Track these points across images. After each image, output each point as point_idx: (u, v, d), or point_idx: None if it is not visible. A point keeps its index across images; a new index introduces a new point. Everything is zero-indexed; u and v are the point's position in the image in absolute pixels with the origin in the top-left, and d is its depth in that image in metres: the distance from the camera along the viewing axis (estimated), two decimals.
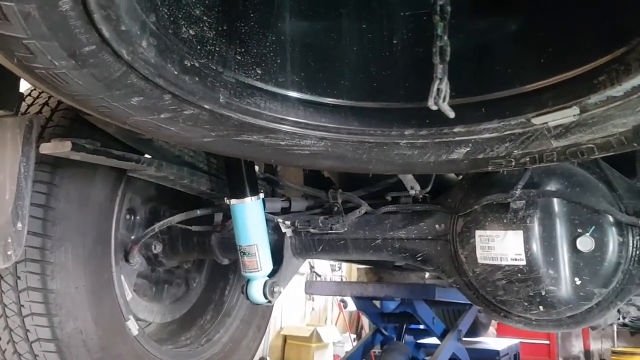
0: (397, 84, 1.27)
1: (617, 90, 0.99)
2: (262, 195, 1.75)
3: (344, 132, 1.26)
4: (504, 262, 1.55)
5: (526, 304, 1.55)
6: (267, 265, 1.77)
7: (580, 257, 1.51)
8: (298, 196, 2.10)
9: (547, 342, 8.57)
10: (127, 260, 1.92)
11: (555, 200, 1.53)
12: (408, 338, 4.87)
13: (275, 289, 1.77)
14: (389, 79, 1.27)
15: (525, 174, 1.52)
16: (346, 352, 7.26)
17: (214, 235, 1.99)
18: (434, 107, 0.94)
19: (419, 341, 4.96)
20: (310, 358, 7.88)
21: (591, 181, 1.56)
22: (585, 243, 1.50)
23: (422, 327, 4.73)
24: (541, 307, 1.54)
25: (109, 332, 1.70)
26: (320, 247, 1.90)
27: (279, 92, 1.21)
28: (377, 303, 5.73)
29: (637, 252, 1.52)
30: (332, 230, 1.82)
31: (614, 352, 8.28)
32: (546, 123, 1.13)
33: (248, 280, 1.78)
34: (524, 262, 1.52)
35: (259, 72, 1.19)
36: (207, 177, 1.84)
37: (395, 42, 1.28)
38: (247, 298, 1.77)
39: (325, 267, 9.12)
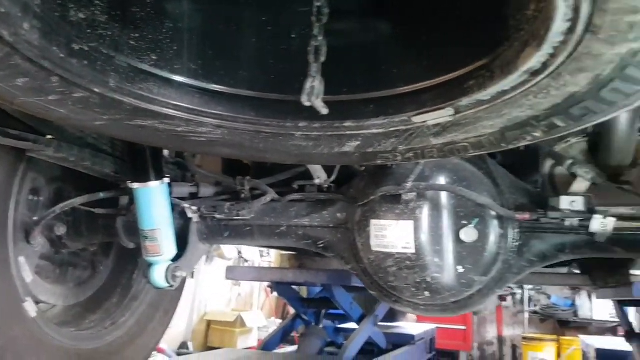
0: (293, 78, 1.30)
1: (484, 95, 1.08)
2: (167, 179, 1.76)
3: (240, 121, 1.30)
4: (394, 250, 1.64)
5: (414, 289, 1.65)
6: (169, 250, 1.78)
7: (464, 247, 1.62)
8: (209, 182, 2.11)
9: (464, 327, 8.96)
10: (28, 242, 1.88)
11: (443, 193, 1.63)
12: (327, 323, 4.98)
13: (178, 274, 1.79)
14: (285, 71, 1.32)
15: (416, 168, 1.61)
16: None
17: (119, 218, 1.98)
18: (307, 104, 0.99)
19: (338, 326, 5.09)
20: (233, 343, 7.91)
21: (477, 176, 1.68)
22: (469, 234, 1.61)
23: (341, 312, 4.86)
24: (427, 293, 1.64)
25: (3, 314, 1.66)
26: (227, 233, 1.93)
27: (174, 78, 1.23)
28: (304, 289, 5.83)
29: (516, 243, 1.65)
30: (238, 216, 1.86)
31: (525, 338, 8.77)
32: (425, 122, 1.20)
33: (150, 265, 1.79)
34: (412, 251, 1.61)
35: (154, 58, 1.20)
36: (112, 159, 1.83)
37: (293, 36, 1.33)
38: (149, 282, 1.79)
39: (253, 253, 9.14)
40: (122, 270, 2.34)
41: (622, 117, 1.64)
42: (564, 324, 8.95)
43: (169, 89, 1.21)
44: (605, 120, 1.61)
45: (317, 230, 1.84)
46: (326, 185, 1.88)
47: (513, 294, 9.15)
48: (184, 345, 7.51)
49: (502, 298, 9.02)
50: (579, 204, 1.56)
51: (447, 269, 1.61)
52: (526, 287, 8.92)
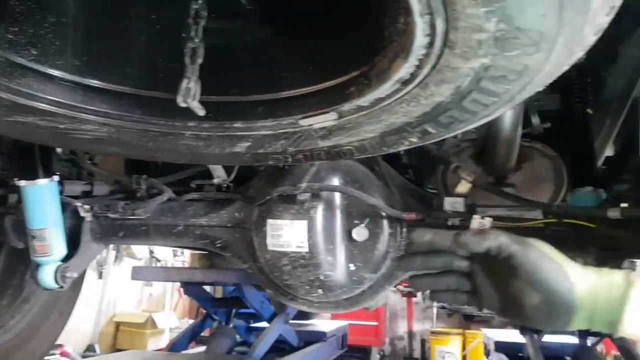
0: (182, 76, 1.31)
1: (364, 101, 1.13)
2: (56, 177, 1.70)
3: (127, 119, 1.28)
4: (289, 249, 1.67)
5: (307, 287, 1.69)
6: (59, 249, 1.72)
7: (355, 246, 1.68)
8: (106, 180, 2.06)
9: (376, 323, 9.21)
10: None
11: (336, 193, 1.69)
12: (239, 322, 4.97)
13: (68, 274, 1.73)
14: (174, 70, 1.31)
15: (311, 168, 1.65)
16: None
17: (7, 217, 1.89)
18: (183, 105, 1.00)
19: (250, 325, 5.08)
20: (144, 344, 7.70)
21: (370, 178, 1.74)
22: (360, 233, 1.67)
23: (252, 311, 4.87)
24: (320, 291, 1.69)
25: None
26: (122, 233, 1.89)
27: (56, 74, 1.19)
28: (220, 289, 5.74)
29: (404, 242, 1.73)
30: (133, 215, 1.83)
31: (433, 332, 9.13)
32: (312, 125, 1.25)
33: (39, 265, 1.72)
34: (306, 250, 1.65)
35: (34, 52, 1.16)
36: None
37: (183, 35, 1.33)
38: (37, 283, 1.72)
39: (166, 252, 8.92)
40: (12, 271, 2.23)
41: (506, 122, 1.75)
42: (469, 318, 9.41)
43: (49, 85, 1.18)
44: (490, 125, 1.75)
45: (215, 229, 1.84)
46: (225, 185, 1.89)
47: (424, 291, 9.49)
48: (90, 348, 7.22)
49: (412, 294, 9.35)
50: (460, 205, 1.66)
51: (339, 267, 1.67)
52: None
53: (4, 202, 1.90)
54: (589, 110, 2.07)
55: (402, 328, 9.94)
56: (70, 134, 1.28)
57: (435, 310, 9.77)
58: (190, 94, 0.97)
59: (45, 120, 1.22)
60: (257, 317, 4.91)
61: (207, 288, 5.03)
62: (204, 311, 9.41)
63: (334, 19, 1.22)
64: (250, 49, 1.32)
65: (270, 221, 1.71)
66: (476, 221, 1.63)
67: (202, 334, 5.16)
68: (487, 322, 9.19)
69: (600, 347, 5.52)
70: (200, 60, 0.99)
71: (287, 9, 1.30)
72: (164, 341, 8.13)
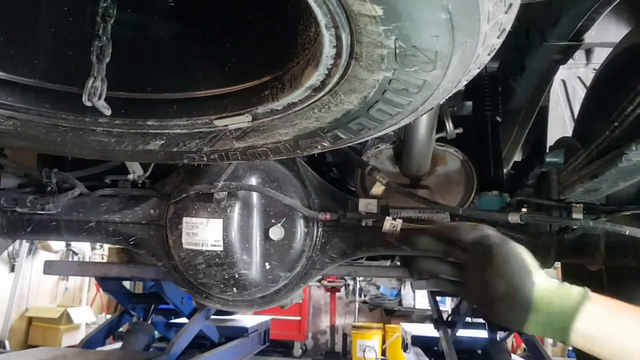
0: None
1: (277, 105, 1.15)
2: None
3: (34, 113, 1.24)
4: (204, 248, 1.67)
5: (222, 286, 1.70)
6: None
7: (271, 245, 1.71)
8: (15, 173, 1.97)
9: (299, 318, 9.30)
10: None
11: (254, 193, 1.70)
12: (158, 318, 4.88)
13: None
14: (86, 65, 1.28)
15: (228, 167, 1.66)
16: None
17: None
18: (89, 104, 0.99)
19: (170, 321, 5.01)
20: (58, 340, 7.40)
21: (288, 178, 1.77)
22: (276, 232, 1.70)
23: (172, 307, 4.79)
24: (235, 289, 1.70)
25: None
26: (30, 228, 1.82)
27: None
28: (140, 284, 5.58)
29: (320, 241, 1.77)
30: (43, 210, 1.76)
31: (354, 327, 9.34)
32: (227, 126, 1.25)
33: None
34: (221, 248, 1.66)
35: None
36: None
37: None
38: None
39: (84, 246, 8.59)
40: None
41: (421, 127, 1.82)
42: (389, 313, 9.68)
43: None
44: (406, 129, 1.81)
45: (129, 226, 1.81)
46: (140, 181, 1.85)
47: (346, 285, 9.68)
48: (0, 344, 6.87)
49: (336, 289, 9.51)
50: (373, 206, 1.72)
51: (254, 265, 1.69)
52: (358, 278, 9.49)
53: None
54: (498, 118, 2.19)
55: (324, 322, 10.09)
56: None
57: (357, 305, 9.98)
58: (96, 93, 0.96)
59: None
60: (177, 313, 4.85)
61: (127, 283, 4.91)
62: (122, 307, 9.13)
63: (251, 22, 1.23)
64: (166, 45, 1.31)
65: (186, 219, 1.70)
66: (388, 222, 1.69)
67: (120, 329, 5.04)
68: (407, 317, 9.50)
69: (510, 341, 5.84)
70: (107, 59, 0.97)
71: (205, 8, 1.30)
72: (79, 337, 7.83)
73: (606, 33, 2.27)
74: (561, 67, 2.19)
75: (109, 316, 8.78)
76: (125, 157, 1.45)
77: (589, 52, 2.63)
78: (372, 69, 0.91)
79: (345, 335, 9.73)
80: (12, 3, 1.24)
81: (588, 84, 2.56)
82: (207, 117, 1.25)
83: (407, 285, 9.30)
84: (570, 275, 2.12)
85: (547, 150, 2.41)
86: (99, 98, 0.97)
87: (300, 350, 9.44)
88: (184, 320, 4.82)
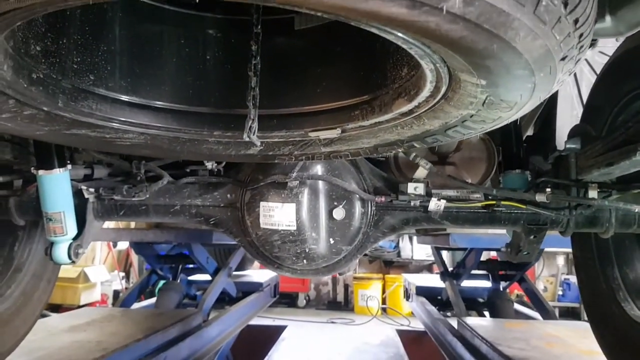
0: (208, 93, 1.56)
1: (365, 122, 1.44)
2: (69, 166, 1.89)
3: (162, 129, 1.52)
4: (280, 227, 1.98)
5: (294, 258, 2.02)
6: (72, 229, 1.93)
7: (335, 223, 2.02)
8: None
9: None
10: None
11: (320, 181, 2.00)
12: (182, 277, 5.23)
13: (80, 251, 1.95)
14: (202, 88, 1.55)
15: (300, 162, 1.95)
16: (121, 293, 7.36)
17: (12, 198, 2.05)
18: (247, 139, 1.27)
19: (189, 278, 5.35)
20: (77, 299, 7.78)
21: (346, 166, 2.07)
22: (339, 213, 2.01)
23: (194, 266, 5.14)
24: (305, 261, 2.02)
25: None
26: (122, 212, 2.11)
27: (108, 95, 1.40)
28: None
29: (374, 218, 2.08)
30: (135, 197, 2.05)
31: (355, 278, 9.83)
32: (318, 136, 1.54)
33: (52, 243, 1.92)
34: (294, 228, 1.97)
35: (92, 78, 1.36)
36: (11, 146, 1.89)
37: (208, 57, 1.56)
38: (52, 259, 1.92)
39: None
40: (2, 244, 2.38)
41: None
42: (388, 264, 10.17)
43: (104, 104, 1.39)
44: None
45: (209, 209, 2.11)
46: (217, 169, 2.14)
47: None
48: None
49: None
50: (420, 189, 2.02)
51: (321, 241, 2.00)
52: None
53: (9, 186, 2.05)
54: None
55: None
56: (113, 142, 1.50)
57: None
58: (252, 131, 1.24)
59: (95, 132, 1.44)
60: (199, 271, 5.20)
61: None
62: (134, 264, 9.47)
63: (341, 53, 1.50)
64: (271, 73, 1.57)
65: (263, 203, 2.00)
66: (434, 202, 2.01)
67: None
68: (405, 267, 9.99)
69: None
70: (258, 105, 1.24)
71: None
72: (96, 294, 8.24)
73: None
74: None
75: (121, 274, 9.18)
76: (227, 158, 1.73)
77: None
78: (460, 107, 1.20)
79: (347, 286, 10.22)
80: (142, 41, 1.50)
81: (594, 66, 2.85)
82: (303, 130, 1.54)
83: (405, 238, 9.74)
84: (579, 241, 2.46)
85: (556, 127, 2.73)
86: (254, 134, 1.25)
87: (305, 301, 9.94)
88: (204, 277, 5.18)
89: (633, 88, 1.94)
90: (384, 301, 9.43)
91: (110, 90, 1.41)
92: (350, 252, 2.09)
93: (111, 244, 8.99)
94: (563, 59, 0.94)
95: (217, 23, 1.55)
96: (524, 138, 3.02)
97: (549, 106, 2.97)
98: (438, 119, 1.30)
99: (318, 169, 2.01)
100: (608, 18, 1.29)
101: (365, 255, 10.33)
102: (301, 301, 9.88)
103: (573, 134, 2.13)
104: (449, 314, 5.20)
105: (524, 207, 1.99)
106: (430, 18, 0.73)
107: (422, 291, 6.02)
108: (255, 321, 6.20)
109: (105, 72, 1.40)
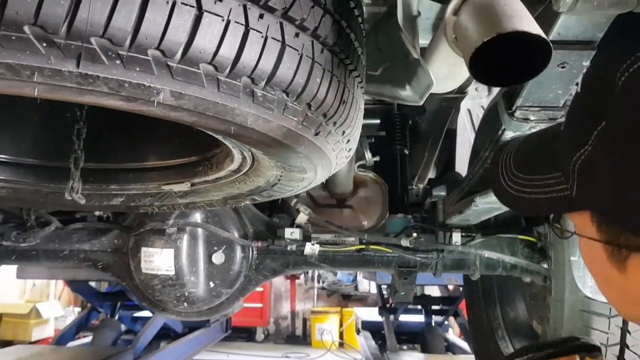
0: (68, 149, 1.66)
1: (209, 177, 1.56)
2: None
3: (23, 183, 1.62)
4: (159, 272, 2.08)
5: (175, 301, 2.11)
6: None
7: (214, 267, 2.12)
8: None
9: (261, 305, 9.73)
10: None
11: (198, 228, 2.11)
12: (124, 313, 5.25)
13: None
14: (61, 144, 1.66)
15: (177, 210, 2.05)
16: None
17: None
18: (69, 198, 1.38)
19: (134, 315, 5.37)
20: (28, 335, 7.67)
21: (227, 212, 2.18)
22: (218, 257, 2.11)
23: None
24: (185, 304, 2.12)
25: None
26: (14, 257, 2.19)
27: None
28: (105, 283, 5.89)
29: (255, 262, 2.19)
30: (24, 243, 2.13)
31: (313, 312, 9.82)
32: (172, 189, 1.66)
33: None
34: (173, 272, 2.07)
35: None
36: None
37: (67, 115, 1.68)
38: None
39: None
40: None
41: None
42: (346, 297, 10.21)
43: None
44: None
45: (97, 253, 2.20)
46: (105, 215, 2.24)
47: (306, 273, 10.14)
48: None
49: (295, 276, 9.96)
50: (296, 234, 2.14)
51: (200, 285, 2.10)
52: None
53: None
54: (406, 151, 2.64)
55: (285, 308, 10.54)
56: None
57: (316, 291, 10.47)
58: (74, 191, 1.35)
59: None
60: (141, 308, 5.22)
61: (92, 283, 5.24)
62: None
63: None
64: (124, 130, 1.69)
65: (144, 249, 2.10)
66: (308, 247, 2.13)
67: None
68: (363, 300, 10.04)
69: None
70: (81, 165, 1.36)
71: None
72: (49, 330, 8.12)
73: None
74: (467, 97, 2.64)
75: (77, 309, 9.08)
76: (92, 209, 1.83)
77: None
78: (267, 171, 1.33)
79: (305, 320, 10.21)
80: (2, 101, 1.61)
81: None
82: (156, 183, 1.65)
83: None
84: (469, 281, 2.60)
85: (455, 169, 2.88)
86: (76, 193, 1.36)
87: (263, 335, 9.89)
88: (149, 313, 5.20)
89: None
90: (341, 335, 9.45)
91: None
92: (232, 295, 2.18)
93: (69, 286, 8.91)
94: (317, 134, 1.07)
95: None
96: (426, 179, 3.19)
97: (449, 150, 3.15)
98: (260, 177, 1.42)
99: (197, 216, 2.12)
100: (407, 87, 1.43)
101: (324, 289, 10.39)
102: (259, 335, 9.82)
103: (441, 181, 2.28)
104: None
105: (390, 251, 2.12)
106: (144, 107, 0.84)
107: (367, 326, 6.12)
108: (209, 356, 6.19)
109: None
